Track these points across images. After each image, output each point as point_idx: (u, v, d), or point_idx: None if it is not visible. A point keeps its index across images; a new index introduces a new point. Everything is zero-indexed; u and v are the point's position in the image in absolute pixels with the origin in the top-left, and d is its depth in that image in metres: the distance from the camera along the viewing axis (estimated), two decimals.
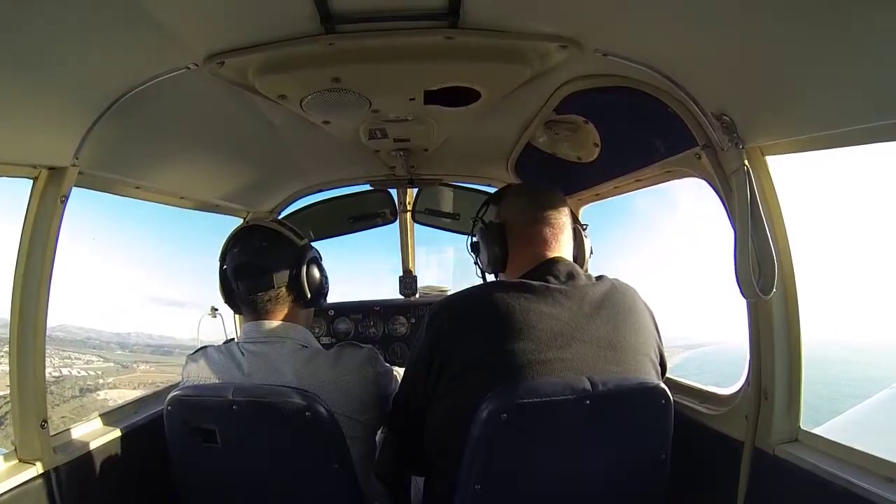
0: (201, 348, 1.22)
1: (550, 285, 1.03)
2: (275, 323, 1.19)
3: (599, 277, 1.11)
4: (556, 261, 1.11)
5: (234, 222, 2.22)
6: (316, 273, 1.23)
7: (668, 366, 1.16)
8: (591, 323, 1.00)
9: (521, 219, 1.19)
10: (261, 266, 1.17)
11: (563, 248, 1.16)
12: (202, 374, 1.15)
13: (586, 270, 1.22)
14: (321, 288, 1.25)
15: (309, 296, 1.20)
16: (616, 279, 1.12)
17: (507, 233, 1.20)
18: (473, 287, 1.10)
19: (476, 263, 1.37)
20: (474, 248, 1.36)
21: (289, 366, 1.12)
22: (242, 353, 1.15)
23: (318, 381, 1.11)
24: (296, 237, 1.23)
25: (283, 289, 1.19)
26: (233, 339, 1.26)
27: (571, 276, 1.07)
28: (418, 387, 1.05)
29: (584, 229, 1.32)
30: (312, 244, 1.28)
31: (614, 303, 1.04)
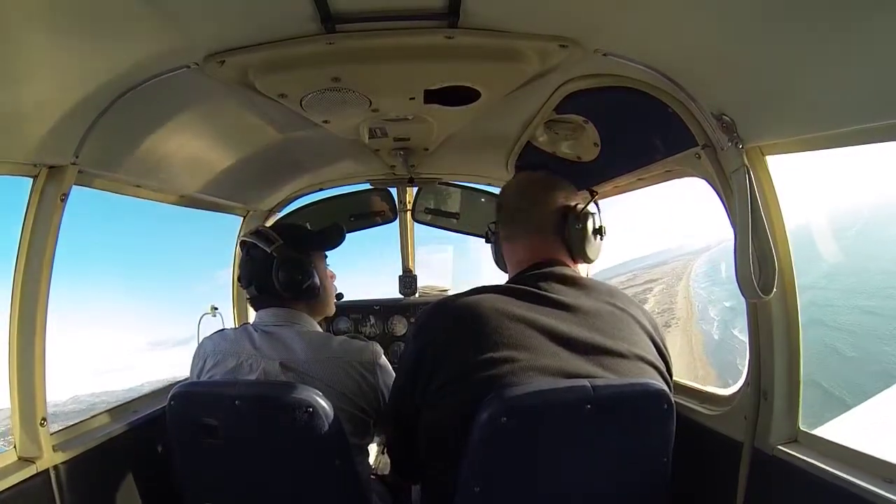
0: (219, 330, 1.33)
1: (541, 291, 1.02)
2: (287, 310, 1.30)
3: (592, 282, 1.10)
4: (547, 263, 1.09)
5: (234, 221, 2.23)
6: (289, 273, 1.29)
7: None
8: (583, 329, 0.98)
9: (511, 218, 1.19)
10: (247, 276, 1.32)
11: (551, 247, 1.14)
12: (218, 347, 1.25)
13: (588, 258, 1.18)
14: (300, 284, 1.31)
15: (284, 291, 1.29)
16: (609, 284, 1.11)
17: (501, 235, 1.21)
18: (463, 293, 1.08)
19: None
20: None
21: (298, 343, 1.21)
22: (256, 331, 1.25)
23: (323, 356, 1.19)
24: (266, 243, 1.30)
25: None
26: (248, 322, 1.39)
27: (563, 280, 1.05)
28: (407, 394, 1.04)
29: (586, 217, 1.16)
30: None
31: (607, 309, 1.02)
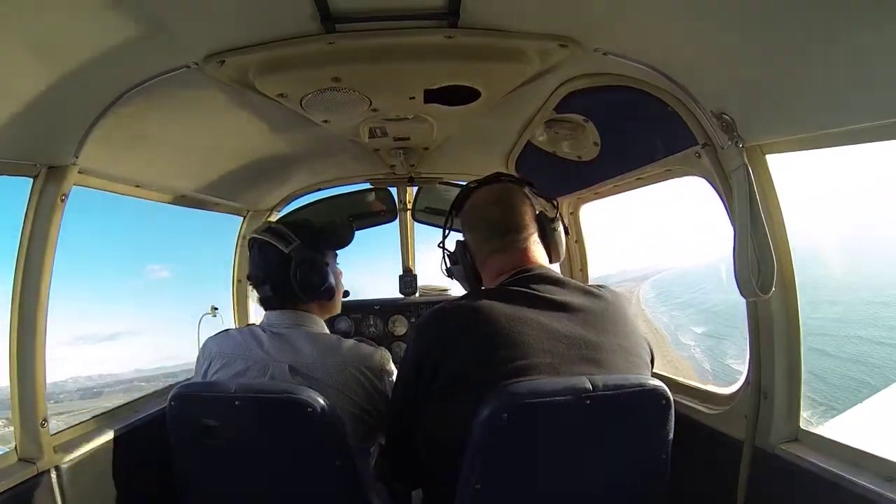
0: (223, 330, 1.31)
1: (534, 292, 1.03)
2: (297, 312, 1.30)
3: (578, 282, 1.12)
4: (533, 268, 1.10)
5: (234, 220, 2.23)
6: (308, 275, 1.29)
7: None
8: (577, 326, 0.99)
9: (483, 235, 1.17)
10: (260, 276, 1.30)
11: (534, 251, 1.15)
12: (224, 350, 1.23)
13: (562, 256, 1.22)
14: (319, 286, 1.30)
15: (302, 293, 1.28)
16: (600, 284, 1.12)
17: (474, 254, 1.19)
18: (460, 297, 1.10)
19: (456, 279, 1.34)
20: (450, 273, 1.33)
21: (307, 346, 1.21)
22: (265, 333, 1.24)
23: (332, 359, 1.19)
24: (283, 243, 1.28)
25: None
26: (253, 323, 1.35)
27: (552, 282, 1.07)
28: (409, 395, 1.05)
29: (554, 218, 1.23)
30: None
31: (598, 305, 1.04)
